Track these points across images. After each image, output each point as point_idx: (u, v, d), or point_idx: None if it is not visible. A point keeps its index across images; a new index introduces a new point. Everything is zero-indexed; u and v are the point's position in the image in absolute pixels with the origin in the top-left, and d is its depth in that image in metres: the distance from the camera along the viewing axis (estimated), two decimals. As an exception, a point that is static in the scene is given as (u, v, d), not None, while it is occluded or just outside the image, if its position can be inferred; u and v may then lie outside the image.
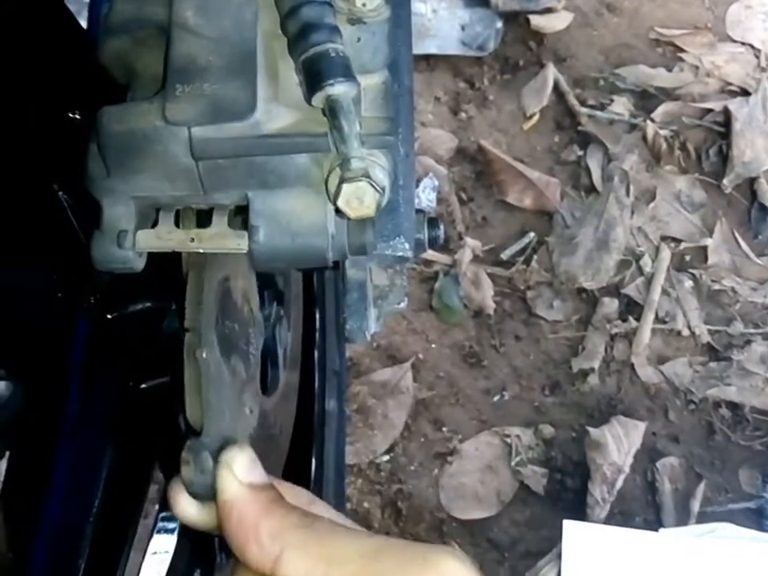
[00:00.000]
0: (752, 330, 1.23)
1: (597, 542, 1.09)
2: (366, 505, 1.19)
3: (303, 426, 0.95)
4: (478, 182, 1.46)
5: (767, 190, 1.35)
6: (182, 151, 0.37)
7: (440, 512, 1.17)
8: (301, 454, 0.93)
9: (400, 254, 0.55)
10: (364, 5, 0.39)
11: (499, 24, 1.60)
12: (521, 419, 1.23)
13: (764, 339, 1.21)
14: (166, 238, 0.39)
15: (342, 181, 0.36)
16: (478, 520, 1.16)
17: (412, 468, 1.21)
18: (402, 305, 0.63)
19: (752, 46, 1.53)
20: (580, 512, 1.14)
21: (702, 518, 1.10)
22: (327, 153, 0.37)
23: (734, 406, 1.18)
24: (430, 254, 1.38)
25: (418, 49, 1.63)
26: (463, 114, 1.54)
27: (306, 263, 0.40)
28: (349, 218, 0.37)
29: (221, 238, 0.39)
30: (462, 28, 1.64)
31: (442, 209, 1.43)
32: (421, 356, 1.30)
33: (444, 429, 1.24)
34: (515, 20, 1.60)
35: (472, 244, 1.38)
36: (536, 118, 1.51)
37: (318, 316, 1.01)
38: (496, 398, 1.26)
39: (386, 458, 1.22)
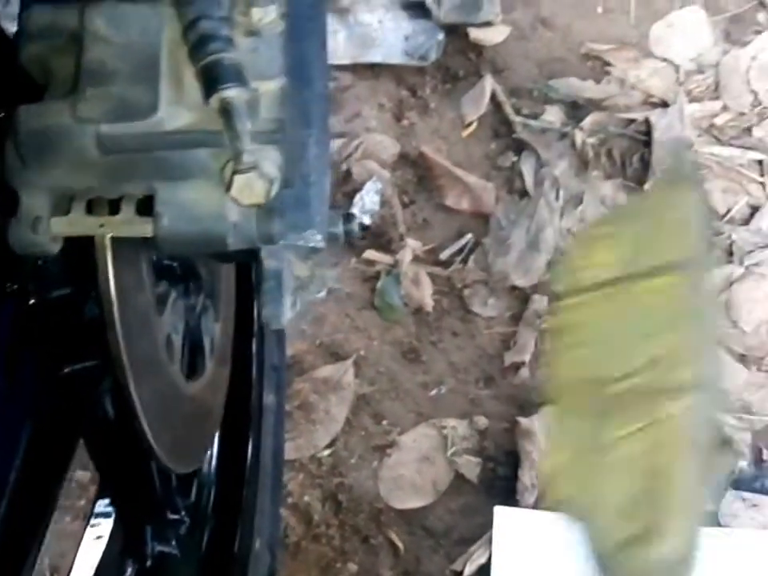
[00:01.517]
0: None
1: (526, 526, 1.14)
2: (306, 498, 1.23)
3: (240, 418, 0.99)
4: (420, 186, 1.51)
5: (687, 194, 1.44)
6: (91, 146, 0.41)
7: (378, 502, 1.22)
8: (237, 446, 0.97)
9: (312, 245, 0.59)
10: (260, 19, 0.44)
11: (441, 36, 1.66)
12: (457, 411, 1.28)
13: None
14: (78, 224, 0.43)
15: (234, 172, 0.41)
16: (414, 509, 1.20)
17: (352, 461, 1.26)
18: (322, 294, 0.68)
19: (672, 62, 1.61)
20: (511, 498, 1.19)
21: (624, 501, 1.17)
22: (223, 148, 0.42)
23: (654, 396, 1.25)
24: (372, 255, 1.44)
25: (364, 57, 1.68)
26: (406, 121, 1.60)
27: (208, 247, 0.45)
28: (242, 206, 0.42)
29: (129, 224, 0.43)
30: (406, 39, 1.70)
31: (385, 211, 1.48)
32: (362, 353, 1.35)
33: (384, 422, 1.29)
34: (456, 32, 1.66)
35: (413, 245, 1.44)
36: (474, 125, 1.57)
37: (255, 313, 1.05)
38: (434, 392, 1.31)
39: (327, 452, 1.26)
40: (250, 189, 0.41)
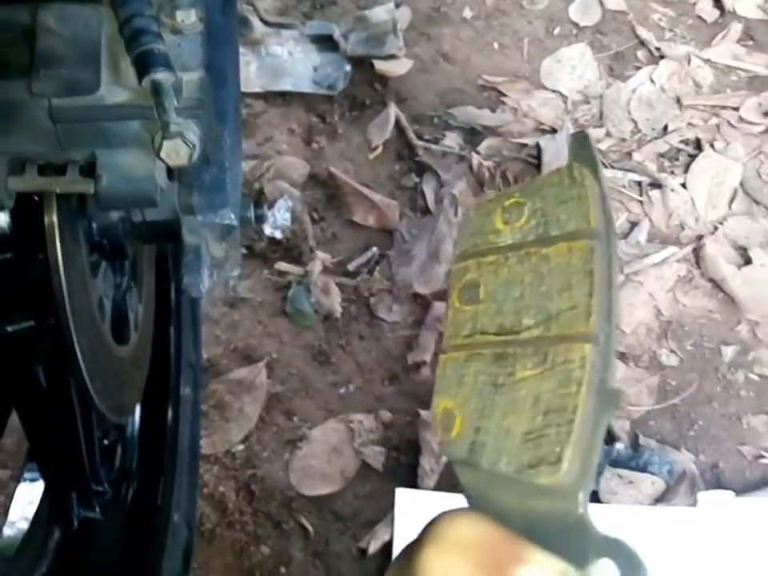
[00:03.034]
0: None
1: (425, 506, 1.24)
2: (221, 489, 1.29)
3: (159, 409, 1.07)
4: (329, 204, 1.62)
5: (570, 210, 1.59)
6: (43, 117, 0.50)
7: (290, 491, 1.29)
8: (155, 432, 1.04)
9: (227, 221, 0.69)
10: (183, 20, 0.55)
11: (348, 67, 1.79)
12: (363, 407, 1.37)
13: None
14: (31, 182, 0.52)
15: (163, 138, 0.50)
16: (323, 495, 1.28)
17: (265, 455, 1.33)
18: (236, 273, 0.77)
19: (561, 93, 1.79)
20: (413, 483, 1.29)
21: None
22: (153, 120, 0.51)
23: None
24: (283, 266, 1.53)
25: (276, 86, 1.79)
26: (315, 145, 1.72)
27: (139, 204, 0.54)
28: (170, 167, 0.52)
29: (74, 183, 0.52)
30: (315, 69, 1.83)
31: (296, 226, 1.58)
32: (275, 356, 1.43)
33: (295, 419, 1.37)
34: (362, 64, 1.80)
35: (322, 257, 1.54)
36: (379, 149, 1.70)
37: (173, 319, 1.14)
38: (342, 390, 1.40)
39: (241, 447, 1.33)
40: (176, 152, 0.50)
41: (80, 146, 0.52)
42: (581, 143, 0.46)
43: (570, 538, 0.41)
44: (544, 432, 0.41)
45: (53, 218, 0.56)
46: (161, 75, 0.50)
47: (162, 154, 0.51)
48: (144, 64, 0.50)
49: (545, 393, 0.41)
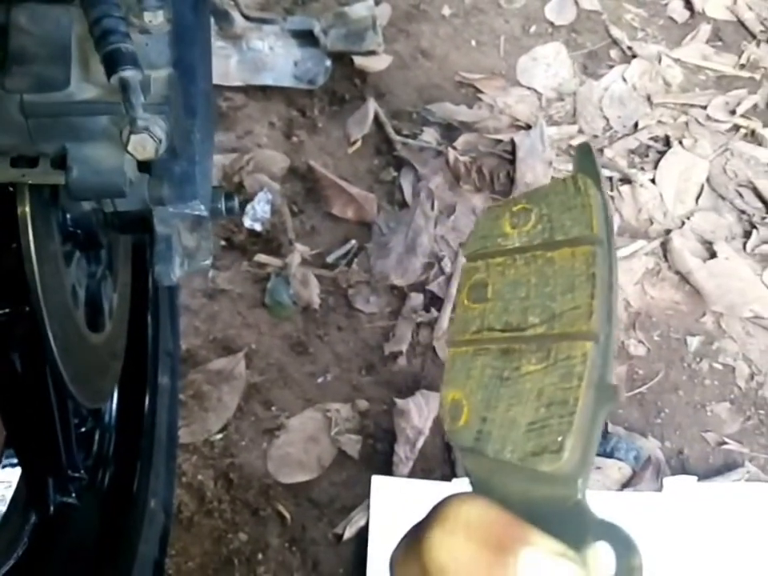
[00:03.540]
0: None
1: (400, 492, 1.27)
2: (200, 477, 1.32)
3: (136, 397, 1.09)
4: (308, 197, 1.65)
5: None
6: (15, 111, 0.53)
7: (267, 479, 1.31)
8: (133, 420, 1.07)
9: (197, 212, 0.72)
10: (150, 21, 0.57)
11: (328, 62, 1.81)
12: (341, 396, 1.40)
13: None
14: (4, 173, 0.54)
15: (130, 133, 0.53)
16: (300, 483, 1.30)
17: (243, 443, 1.36)
18: (207, 262, 0.79)
19: (536, 90, 1.82)
20: (388, 470, 1.32)
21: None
22: (121, 116, 0.54)
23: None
24: (262, 258, 1.56)
25: (256, 80, 1.81)
26: (295, 138, 1.74)
27: (109, 194, 0.57)
28: (138, 160, 0.54)
29: (45, 175, 0.55)
30: (295, 64, 1.85)
31: (275, 219, 1.61)
32: (254, 346, 1.45)
33: (273, 408, 1.39)
34: (342, 60, 1.82)
35: (301, 249, 1.57)
36: (359, 143, 1.72)
37: (151, 308, 1.16)
38: (320, 380, 1.42)
39: (220, 436, 1.36)
40: (143, 146, 0.53)
41: (51, 139, 0.54)
42: (585, 154, 0.49)
43: (568, 522, 0.43)
44: (547, 423, 0.43)
45: (25, 209, 0.59)
46: (128, 73, 0.53)
47: (130, 148, 0.53)
48: (112, 62, 0.53)
49: (548, 386, 0.44)
